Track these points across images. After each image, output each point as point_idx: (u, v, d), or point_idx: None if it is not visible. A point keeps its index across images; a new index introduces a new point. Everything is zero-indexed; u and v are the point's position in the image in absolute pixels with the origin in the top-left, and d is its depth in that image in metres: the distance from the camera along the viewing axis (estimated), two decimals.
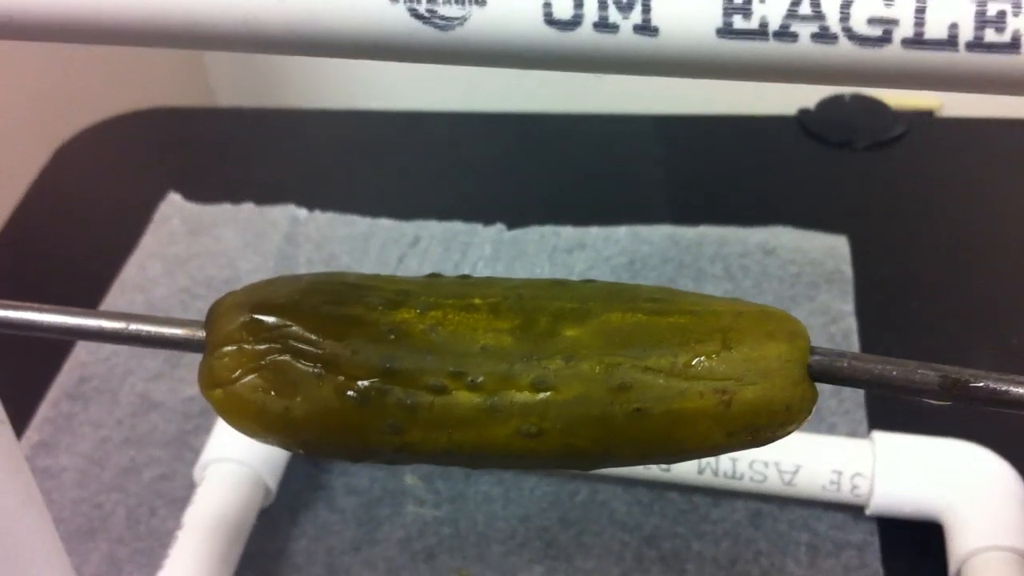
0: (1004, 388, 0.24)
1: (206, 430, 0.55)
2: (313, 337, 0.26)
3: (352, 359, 0.26)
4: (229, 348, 0.26)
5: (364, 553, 0.51)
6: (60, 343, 0.60)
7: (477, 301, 0.27)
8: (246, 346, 0.26)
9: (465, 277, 0.28)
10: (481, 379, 0.26)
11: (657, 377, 0.25)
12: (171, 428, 0.56)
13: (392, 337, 0.26)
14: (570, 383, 0.25)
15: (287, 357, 0.26)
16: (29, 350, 0.60)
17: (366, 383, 0.26)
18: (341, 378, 0.26)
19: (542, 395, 0.25)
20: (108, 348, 0.60)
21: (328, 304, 0.27)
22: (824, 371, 0.26)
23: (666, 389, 0.25)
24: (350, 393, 0.26)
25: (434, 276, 0.28)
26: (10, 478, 0.31)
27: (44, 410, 0.57)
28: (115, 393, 0.58)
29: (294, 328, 0.26)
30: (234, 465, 0.50)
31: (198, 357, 0.28)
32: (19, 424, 0.55)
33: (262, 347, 0.26)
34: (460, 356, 0.26)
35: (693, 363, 0.25)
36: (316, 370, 0.26)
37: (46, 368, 0.59)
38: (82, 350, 0.60)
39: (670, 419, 0.25)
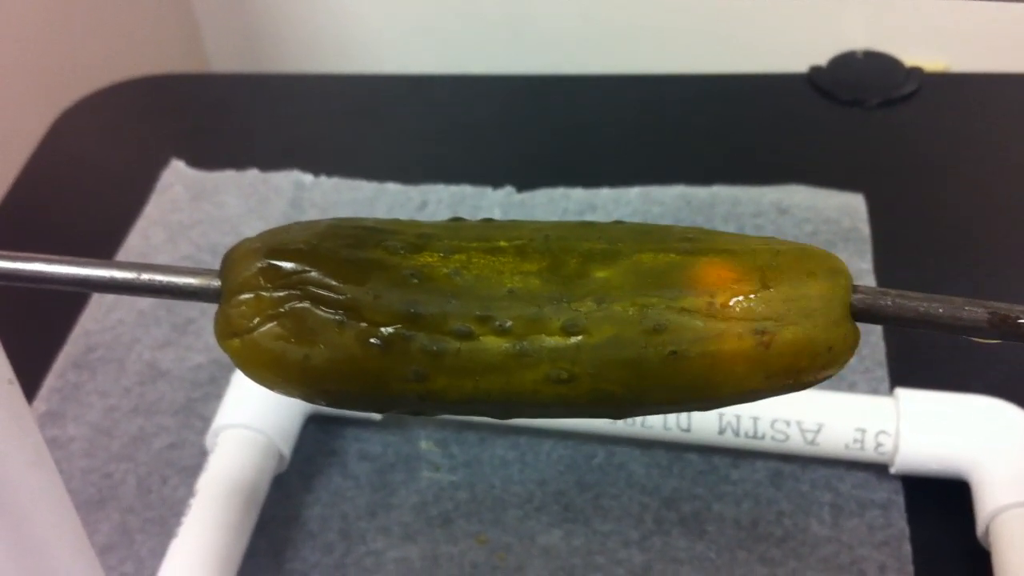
0: None
1: (215, 397, 0.54)
2: (333, 282, 0.25)
3: (374, 304, 0.25)
4: (246, 296, 0.25)
5: (379, 519, 0.50)
6: (66, 312, 0.59)
7: (503, 243, 0.26)
8: (264, 293, 0.25)
9: (488, 220, 0.27)
10: (509, 323, 0.25)
11: (693, 318, 0.24)
12: (179, 396, 0.55)
13: (415, 281, 0.25)
14: (602, 326, 0.24)
15: (306, 304, 0.25)
16: (35, 320, 0.59)
17: (389, 329, 0.25)
18: (363, 324, 0.25)
19: (573, 339, 0.24)
20: (114, 317, 0.59)
21: (347, 248, 0.25)
22: (867, 310, 0.25)
23: (703, 331, 0.24)
24: (372, 340, 0.25)
25: (456, 220, 0.27)
26: (19, 438, 0.30)
27: (51, 380, 0.56)
28: (122, 362, 0.57)
29: (313, 273, 0.25)
30: (247, 431, 0.49)
31: (205, 325, 0.27)
32: (26, 395, 0.54)
33: (280, 294, 0.25)
34: (486, 300, 0.25)
35: (731, 303, 0.24)
36: (337, 316, 0.25)
37: (52, 338, 0.58)
38: (88, 319, 0.59)
39: (707, 362, 0.24)
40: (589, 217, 0.64)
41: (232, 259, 0.26)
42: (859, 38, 0.77)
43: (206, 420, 0.53)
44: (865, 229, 0.62)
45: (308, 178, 0.67)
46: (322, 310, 0.25)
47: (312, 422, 0.53)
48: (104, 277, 0.26)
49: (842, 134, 0.70)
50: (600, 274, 0.25)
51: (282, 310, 0.25)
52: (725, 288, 0.24)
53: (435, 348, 0.25)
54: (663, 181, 0.66)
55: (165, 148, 0.70)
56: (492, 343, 0.25)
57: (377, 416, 0.53)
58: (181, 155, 0.69)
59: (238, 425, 0.49)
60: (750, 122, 0.73)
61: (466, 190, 0.66)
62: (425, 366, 0.25)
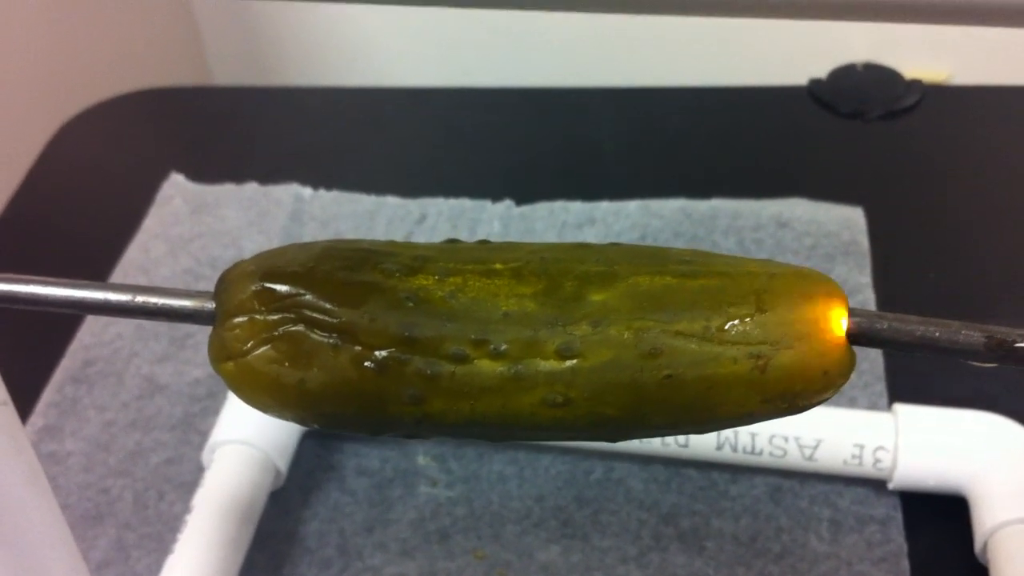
0: None
1: (213, 412, 0.54)
2: (328, 305, 0.25)
3: (369, 327, 0.25)
4: (240, 319, 0.25)
5: (377, 534, 0.50)
6: (64, 326, 0.59)
7: (498, 266, 0.26)
8: (258, 316, 0.25)
9: (484, 242, 0.27)
10: (504, 347, 0.25)
11: (689, 342, 0.24)
12: (177, 411, 0.55)
13: (411, 304, 0.25)
14: (598, 349, 0.24)
15: (301, 327, 0.25)
16: (32, 334, 0.59)
17: (384, 352, 0.25)
18: (358, 348, 0.25)
19: (569, 362, 0.24)
20: (112, 331, 0.59)
21: (343, 271, 0.25)
22: (863, 334, 0.25)
23: (698, 354, 0.24)
24: (368, 363, 0.25)
25: (452, 242, 0.27)
26: (13, 459, 0.30)
27: (48, 394, 0.56)
28: (120, 376, 0.57)
29: (308, 296, 0.25)
30: (243, 447, 0.49)
31: (203, 339, 0.27)
32: (24, 409, 0.54)
33: (275, 317, 0.25)
34: (482, 323, 0.25)
35: (726, 327, 0.24)
36: (332, 340, 0.25)
37: (50, 352, 0.58)
38: (86, 333, 0.59)
39: (703, 386, 0.24)
40: (588, 230, 0.64)
41: (227, 281, 0.26)
42: (859, 50, 0.77)
43: (204, 435, 0.53)
44: (864, 242, 0.61)
45: (308, 191, 0.67)
46: (316, 333, 0.25)
47: (310, 437, 0.53)
48: (99, 300, 0.26)
49: (842, 147, 0.70)
50: (596, 297, 0.25)
51: (276, 333, 0.25)
52: (721, 312, 0.24)
53: (430, 371, 0.25)
54: (663, 194, 0.66)
55: (165, 161, 0.70)
56: (487, 366, 0.25)
57: None
58: (181, 168, 0.69)
59: (235, 441, 0.49)
60: (750, 135, 0.72)
61: (465, 203, 0.66)
62: (421, 389, 0.25)
